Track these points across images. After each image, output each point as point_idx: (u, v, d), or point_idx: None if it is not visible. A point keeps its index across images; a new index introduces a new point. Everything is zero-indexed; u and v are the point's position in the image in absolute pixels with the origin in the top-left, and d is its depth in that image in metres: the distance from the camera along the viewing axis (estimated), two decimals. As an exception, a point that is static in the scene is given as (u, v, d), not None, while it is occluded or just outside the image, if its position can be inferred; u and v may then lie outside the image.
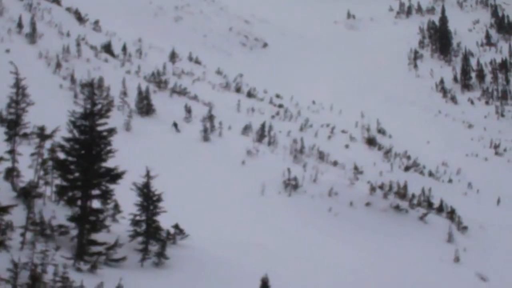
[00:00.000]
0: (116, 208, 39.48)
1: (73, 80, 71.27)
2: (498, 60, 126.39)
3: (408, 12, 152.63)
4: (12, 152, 36.94)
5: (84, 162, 33.60)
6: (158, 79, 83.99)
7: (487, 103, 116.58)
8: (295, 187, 58.83)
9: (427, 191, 63.83)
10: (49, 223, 33.16)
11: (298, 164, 64.91)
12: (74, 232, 33.36)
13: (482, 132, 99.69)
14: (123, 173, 34.36)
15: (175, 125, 67.46)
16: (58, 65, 74.43)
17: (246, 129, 72.84)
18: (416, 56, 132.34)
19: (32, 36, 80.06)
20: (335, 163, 69.34)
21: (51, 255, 27.30)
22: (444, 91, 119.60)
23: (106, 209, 36.69)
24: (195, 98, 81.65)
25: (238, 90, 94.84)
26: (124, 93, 71.25)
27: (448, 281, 44.78)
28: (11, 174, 36.84)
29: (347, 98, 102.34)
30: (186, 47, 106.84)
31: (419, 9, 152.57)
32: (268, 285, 33.40)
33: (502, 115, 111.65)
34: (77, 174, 33.88)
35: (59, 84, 69.94)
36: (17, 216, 30.12)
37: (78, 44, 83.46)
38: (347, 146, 78.67)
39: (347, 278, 40.18)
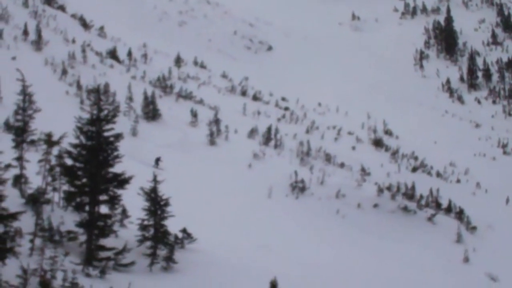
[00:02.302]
0: (124, 213, 39.49)
1: (79, 86, 71.38)
2: (505, 59, 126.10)
3: (413, 13, 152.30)
4: (19, 159, 37.02)
5: (92, 167, 33.65)
6: (163, 84, 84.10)
7: (494, 102, 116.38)
8: (302, 189, 58.84)
9: (435, 191, 63.70)
10: (57, 229, 33.20)
11: (305, 166, 64.92)
12: (82, 238, 33.40)
13: (489, 132, 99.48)
14: (130, 178, 34.40)
15: (157, 161, 58.09)
16: (64, 72, 74.55)
17: (252, 132, 72.87)
18: (422, 57, 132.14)
19: (38, 43, 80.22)
20: (342, 165, 69.27)
21: (60, 261, 27.34)
22: (450, 91, 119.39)
23: (114, 214, 36.67)
24: (201, 102, 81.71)
25: (243, 93, 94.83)
26: (130, 99, 71.33)
27: (457, 282, 44.70)
28: (19, 181, 36.91)
29: (353, 99, 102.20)
30: (191, 52, 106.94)
31: (424, 9, 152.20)
32: (277, 288, 33.41)
33: (510, 114, 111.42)
34: (84, 180, 33.93)
35: (65, 90, 70.06)
36: (26, 222, 30.15)
37: (83, 51, 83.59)
38: (353, 148, 78.54)
39: (355, 280, 40.12)
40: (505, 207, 67.18)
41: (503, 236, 57.15)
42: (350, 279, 40.19)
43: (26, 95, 37.47)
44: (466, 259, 50.48)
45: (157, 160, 57.72)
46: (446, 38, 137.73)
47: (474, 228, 58.19)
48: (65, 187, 35.45)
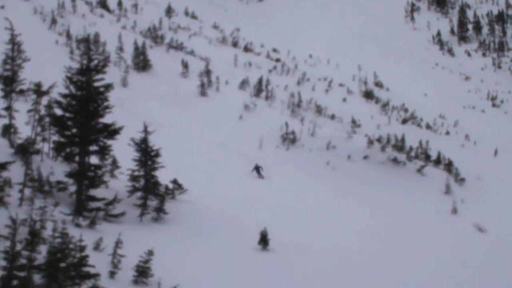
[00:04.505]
0: (114, 163, 39.53)
1: (68, 36, 70.84)
2: (495, 12, 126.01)
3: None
4: (8, 108, 36.91)
5: (81, 118, 33.56)
6: (154, 34, 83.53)
7: (484, 55, 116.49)
8: (293, 141, 58.90)
9: (424, 143, 63.93)
10: (47, 180, 33.22)
11: (295, 118, 64.92)
12: (72, 188, 33.43)
13: (479, 84, 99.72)
14: (120, 128, 34.36)
15: (257, 169, 50.66)
16: (54, 21, 73.96)
17: (243, 83, 72.67)
18: (413, 9, 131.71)
19: (27, -8, 79.41)
20: (332, 117, 69.34)
21: (50, 211, 27.41)
22: (441, 43, 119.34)
23: (104, 165, 36.75)
24: (191, 53, 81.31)
25: (235, 44, 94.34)
26: (120, 49, 70.92)
27: (445, 232, 44.94)
28: (8, 130, 36.85)
29: (344, 51, 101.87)
30: (182, 2, 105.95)
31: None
32: (267, 238, 33.66)
33: (499, 67, 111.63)
34: (74, 130, 33.85)
35: (55, 40, 69.55)
36: (15, 172, 30.16)
37: (73, 0, 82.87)
38: (344, 100, 78.55)
39: (345, 230, 40.34)
40: (493, 159, 67.58)
41: (491, 188, 57.41)
42: (339, 228, 40.38)
43: (15, 44, 37.23)
44: (455, 210, 50.76)
45: (257, 169, 51.00)
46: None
47: (462, 179, 58.43)
48: (55, 137, 35.37)
